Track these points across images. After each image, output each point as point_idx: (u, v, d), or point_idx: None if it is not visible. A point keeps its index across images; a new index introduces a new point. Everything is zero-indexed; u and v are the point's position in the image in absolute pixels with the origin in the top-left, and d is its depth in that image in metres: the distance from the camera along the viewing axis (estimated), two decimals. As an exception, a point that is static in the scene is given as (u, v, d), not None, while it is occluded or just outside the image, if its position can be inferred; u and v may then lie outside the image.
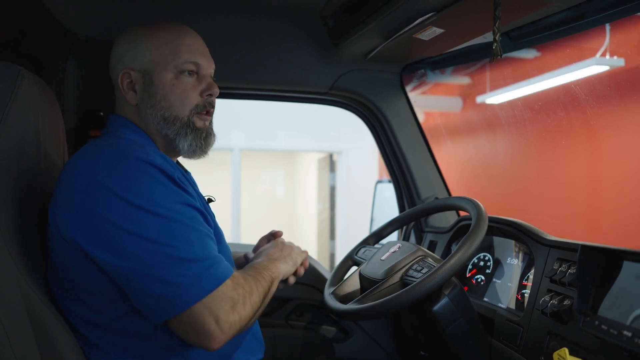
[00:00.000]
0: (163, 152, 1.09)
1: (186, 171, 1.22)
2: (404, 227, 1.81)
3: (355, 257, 1.48)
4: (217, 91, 1.11)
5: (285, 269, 1.17)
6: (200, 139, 1.10)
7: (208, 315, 0.89)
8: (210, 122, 1.14)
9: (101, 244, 0.90)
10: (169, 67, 1.06)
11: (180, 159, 1.21)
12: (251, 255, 1.31)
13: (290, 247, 1.27)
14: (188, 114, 1.08)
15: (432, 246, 1.68)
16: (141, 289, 0.89)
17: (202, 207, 1.01)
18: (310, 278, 1.83)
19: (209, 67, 1.11)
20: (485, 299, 1.36)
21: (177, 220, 0.91)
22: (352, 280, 1.36)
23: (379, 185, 2.71)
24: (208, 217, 1.02)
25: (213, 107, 1.12)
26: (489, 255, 1.43)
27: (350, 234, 6.36)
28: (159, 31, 1.08)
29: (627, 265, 0.93)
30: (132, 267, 0.89)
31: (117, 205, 0.90)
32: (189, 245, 0.90)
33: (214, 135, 1.14)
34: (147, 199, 0.90)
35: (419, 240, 1.80)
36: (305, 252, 1.33)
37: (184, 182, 0.99)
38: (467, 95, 4.37)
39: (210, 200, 1.23)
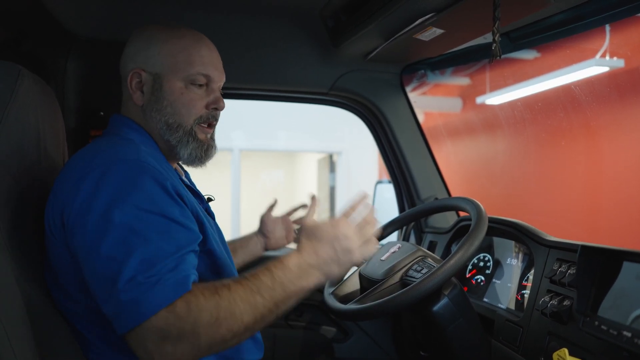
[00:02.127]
0: (164, 155, 1.09)
1: (185, 171, 1.22)
2: (404, 228, 1.81)
3: (355, 257, 1.48)
4: (223, 105, 1.11)
5: (327, 277, 0.95)
6: (201, 150, 1.09)
7: (137, 345, 0.83)
8: (212, 135, 1.13)
9: (74, 242, 0.90)
10: (181, 75, 1.06)
11: None
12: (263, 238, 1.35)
13: (361, 234, 0.98)
14: (192, 124, 1.08)
15: (432, 246, 1.68)
16: (95, 296, 0.89)
17: (200, 211, 1.01)
18: (310, 278, 1.83)
19: (219, 80, 1.11)
20: (485, 300, 1.36)
21: (139, 234, 0.86)
22: (351, 281, 1.36)
23: (379, 185, 2.71)
24: (195, 230, 0.97)
25: (217, 120, 1.12)
26: (488, 255, 1.43)
27: (350, 235, 6.35)
28: (176, 37, 1.07)
29: (626, 265, 0.93)
30: (87, 277, 0.89)
31: (90, 207, 0.88)
32: (137, 263, 0.84)
33: (215, 147, 1.13)
34: (121, 205, 0.87)
35: (419, 241, 1.80)
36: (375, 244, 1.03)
37: (178, 190, 0.96)
38: (467, 96, 4.37)
39: (209, 200, 1.22)
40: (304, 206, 1.58)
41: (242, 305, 0.86)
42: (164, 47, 1.06)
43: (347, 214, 1.03)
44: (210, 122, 1.10)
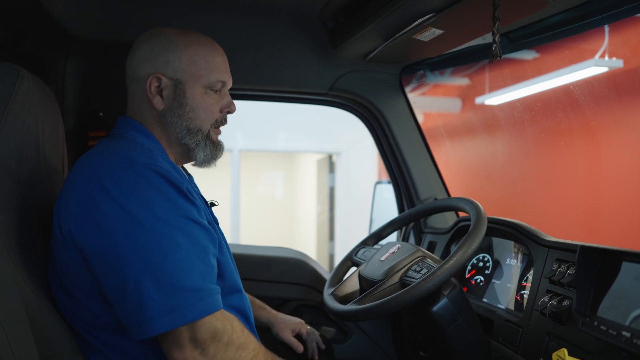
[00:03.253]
0: (175, 158, 1.12)
1: (189, 175, 1.22)
2: (403, 228, 1.81)
3: (355, 257, 1.48)
4: (234, 109, 1.16)
5: None
6: (215, 151, 1.15)
7: (169, 344, 0.91)
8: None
9: (92, 248, 0.91)
10: (202, 82, 1.10)
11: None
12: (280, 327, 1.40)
13: None
14: (209, 127, 1.12)
15: (431, 247, 1.68)
16: (117, 302, 0.91)
17: (206, 217, 1.02)
18: (309, 279, 1.83)
19: (230, 84, 1.16)
20: (484, 300, 1.36)
21: (169, 237, 0.91)
22: (351, 281, 1.36)
23: (378, 186, 2.71)
24: (212, 230, 1.02)
25: (226, 122, 1.18)
26: (488, 256, 1.43)
27: (350, 235, 6.36)
28: (195, 44, 1.10)
29: (625, 265, 0.93)
30: (114, 278, 0.89)
31: (114, 212, 0.90)
32: (174, 267, 0.90)
33: (223, 147, 1.19)
34: (145, 209, 0.91)
35: (418, 241, 1.80)
36: None
37: (192, 192, 1.00)
38: (467, 97, 4.37)
39: (212, 205, 1.23)
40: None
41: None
42: (185, 54, 1.08)
43: None
44: (222, 124, 1.16)
